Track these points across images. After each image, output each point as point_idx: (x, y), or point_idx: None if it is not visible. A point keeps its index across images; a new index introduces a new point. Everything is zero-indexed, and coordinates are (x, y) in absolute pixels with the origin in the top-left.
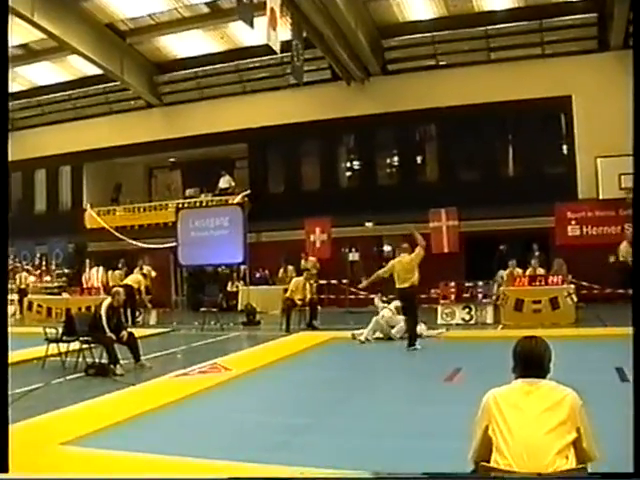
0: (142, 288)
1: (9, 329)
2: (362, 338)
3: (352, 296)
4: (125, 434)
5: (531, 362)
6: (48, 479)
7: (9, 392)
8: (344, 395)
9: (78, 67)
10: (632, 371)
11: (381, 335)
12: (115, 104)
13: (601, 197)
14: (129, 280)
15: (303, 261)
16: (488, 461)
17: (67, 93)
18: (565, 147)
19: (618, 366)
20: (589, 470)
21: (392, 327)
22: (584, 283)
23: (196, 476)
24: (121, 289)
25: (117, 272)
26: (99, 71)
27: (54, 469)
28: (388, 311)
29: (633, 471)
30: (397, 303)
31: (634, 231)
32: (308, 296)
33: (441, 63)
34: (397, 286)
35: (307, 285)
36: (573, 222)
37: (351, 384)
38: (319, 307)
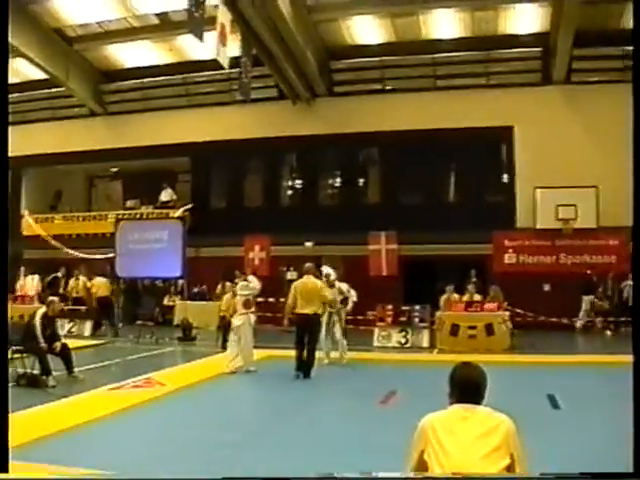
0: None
1: None
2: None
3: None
4: (56, 447)
5: (468, 388)
6: (48, 479)
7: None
8: (279, 413)
9: (23, 70)
10: (632, 371)
11: None
12: (58, 110)
13: (538, 227)
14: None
15: (237, 279)
16: None
17: (10, 96)
18: (505, 176)
19: (550, 393)
20: None
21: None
22: (519, 310)
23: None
24: (56, 298)
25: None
26: (44, 76)
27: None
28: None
29: (633, 471)
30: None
31: (634, 253)
32: None
33: (387, 88)
34: (297, 311)
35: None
36: (510, 250)
37: (286, 402)
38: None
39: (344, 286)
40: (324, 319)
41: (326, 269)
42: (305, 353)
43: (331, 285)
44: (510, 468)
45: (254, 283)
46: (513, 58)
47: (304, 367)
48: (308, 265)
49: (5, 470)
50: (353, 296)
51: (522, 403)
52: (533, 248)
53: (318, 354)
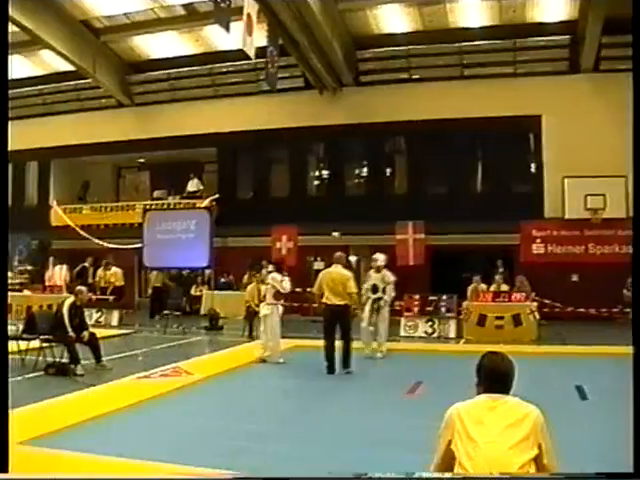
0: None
1: None
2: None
3: (316, 304)
4: (84, 435)
5: (496, 378)
6: (48, 479)
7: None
8: (305, 403)
9: (50, 62)
10: (632, 371)
11: None
12: (86, 102)
13: (567, 217)
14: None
15: (265, 269)
16: None
17: (38, 88)
18: (533, 166)
19: (578, 384)
20: None
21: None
22: (546, 301)
23: (189, 476)
24: (84, 288)
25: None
26: (71, 67)
27: (10, 468)
28: None
29: (633, 471)
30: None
31: (634, 247)
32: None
33: (414, 77)
34: (325, 301)
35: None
36: (538, 240)
37: (312, 393)
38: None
39: (391, 277)
40: (367, 306)
41: (376, 254)
42: (334, 346)
43: (377, 270)
44: (538, 459)
45: (286, 284)
46: (541, 46)
47: (334, 363)
48: (338, 254)
49: (5, 470)
50: (390, 292)
51: (550, 394)
52: (561, 238)
53: (356, 344)
